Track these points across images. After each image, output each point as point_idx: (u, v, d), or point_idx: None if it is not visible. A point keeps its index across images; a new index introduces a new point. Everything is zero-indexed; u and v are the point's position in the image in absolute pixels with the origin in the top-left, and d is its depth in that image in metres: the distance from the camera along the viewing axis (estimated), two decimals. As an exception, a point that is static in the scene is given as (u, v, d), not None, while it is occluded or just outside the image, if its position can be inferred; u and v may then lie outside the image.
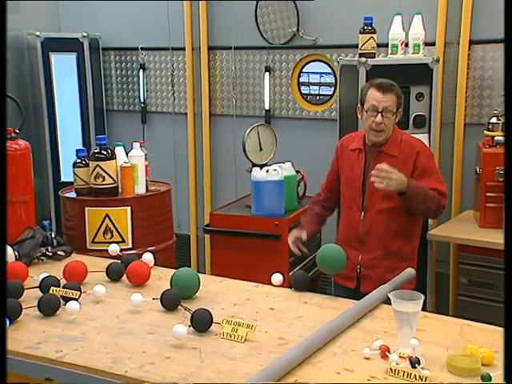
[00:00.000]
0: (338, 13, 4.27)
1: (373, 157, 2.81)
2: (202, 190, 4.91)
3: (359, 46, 3.61)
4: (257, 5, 4.52)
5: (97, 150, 3.05)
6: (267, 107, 4.59)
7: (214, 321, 2.09)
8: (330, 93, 4.44)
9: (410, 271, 2.55)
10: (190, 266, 4.72)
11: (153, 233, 3.15)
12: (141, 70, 5.05)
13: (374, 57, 3.61)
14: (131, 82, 5.16)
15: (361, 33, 3.61)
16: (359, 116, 2.90)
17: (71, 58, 4.98)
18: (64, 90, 5.06)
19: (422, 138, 3.64)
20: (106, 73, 5.23)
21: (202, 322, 2.07)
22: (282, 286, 2.51)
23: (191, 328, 2.06)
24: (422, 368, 1.80)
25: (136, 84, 5.12)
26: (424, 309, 1.98)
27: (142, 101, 5.10)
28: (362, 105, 2.83)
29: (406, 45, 3.71)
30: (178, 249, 4.92)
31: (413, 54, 3.65)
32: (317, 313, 2.25)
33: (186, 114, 4.90)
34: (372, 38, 3.58)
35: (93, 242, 3.06)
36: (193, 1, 4.71)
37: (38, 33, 4.94)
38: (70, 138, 5.07)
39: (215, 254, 3.60)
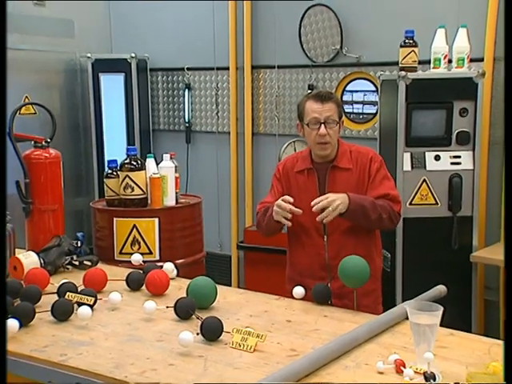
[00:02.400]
0: (382, 29, 4.19)
1: (326, 174, 2.60)
2: (243, 210, 4.86)
3: (399, 60, 3.51)
4: (300, 23, 4.50)
5: (127, 161, 3.05)
6: (309, 126, 4.52)
7: (225, 330, 2.01)
8: (374, 111, 4.34)
9: (440, 288, 2.41)
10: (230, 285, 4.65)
11: (181, 246, 3.11)
12: (186, 90, 5.10)
13: (416, 71, 3.50)
14: (177, 101, 5.21)
15: (401, 46, 3.51)
16: (300, 133, 2.69)
17: (119, 78, 5.09)
18: (112, 110, 5.16)
19: (466, 155, 3.52)
20: (153, 93, 5.30)
21: (211, 330, 2.00)
22: (304, 299, 2.42)
23: (200, 336, 1.99)
24: (438, 385, 1.67)
25: (181, 104, 5.17)
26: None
27: (186, 120, 5.13)
28: (302, 120, 2.62)
29: (450, 61, 3.58)
30: (219, 269, 4.93)
31: (456, 68, 3.52)
32: (335, 326, 2.14)
33: (229, 133, 4.89)
34: (413, 51, 3.48)
35: (120, 252, 3.05)
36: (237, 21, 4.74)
37: (89, 54, 5.07)
38: (116, 157, 5.14)
39: (248, 271, 3.54)
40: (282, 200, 2.50)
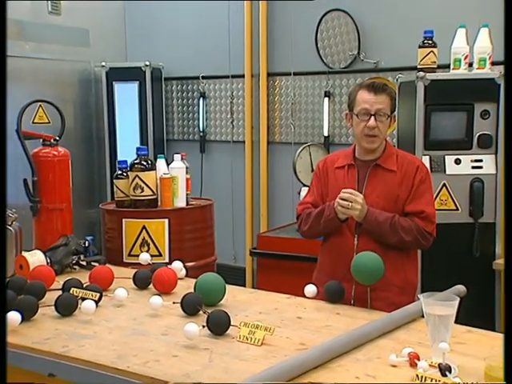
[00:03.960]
0: (400, 34, 4.19)
1: (367, 172, 2.52)
2: (258, 221, 4.84)
3: (418, 60, 3.49)
4: (317, 29, 4.51)
5: (137, 161, 3.05)
6: (326, 134, 4.52)
7: (232, 324, 1.98)
8: (393, 118, 4.30)
9: (459, 287, 2.35)
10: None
11: (191, 248, 3.09)
12: (201, 99, 5.12)
13: (435, 72, 3.48)
14: (191, 110, 5.24)
15: (420, 47, 3.50)
16: (348, 124, 2.63)
17: (133, 86, 5.13)
18: (125, 119, 5.20)
19: (488, 159, 3.47)
20: (168, 102, 5.34)
21: (217, 324, 1.97)
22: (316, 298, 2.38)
23: (206, 330, 1.96)
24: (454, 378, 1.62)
25: (196, 113, 5.20)
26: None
27: (201, 130, 5.15)
28: (352, 110, 2.53)
29: (470, 65, 3.55)
30: (234, 281, 4.89)
31: (478, 68, 3.49)
32: (347, 323, 2.10)
33: (244, 142, 4.89)
34: (432, 52, 3.46)
35: (129, 254, 3.04)
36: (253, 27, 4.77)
37: (103, 63, 5.12)
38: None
39: (261, 278, 3.50)
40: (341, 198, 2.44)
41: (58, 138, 2.95)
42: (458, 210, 3.47)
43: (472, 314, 2.32)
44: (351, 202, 2.40)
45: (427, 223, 2.48)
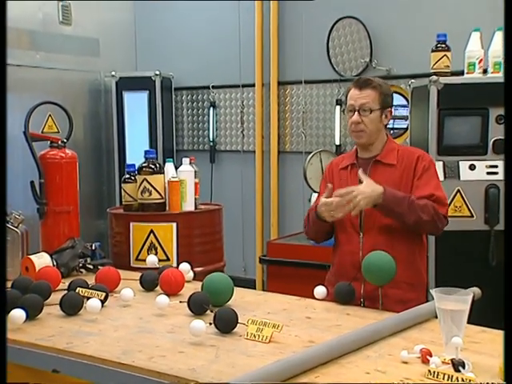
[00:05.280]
0: (412, 41, 4.21)
1: (368, 168, 2.54)
2: (269, 232, 4.83)
3: (431, 64, 3.50)
4: (329, 37, 4.54)
5: (145, 164, 3.06)
6: (338, 142, 4.52)
7: (240, 322, 1.97)
8: (405, 126, 4.31)
9: (474, 290, 2.31)
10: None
11: (199, 253, 3.08)
12: (211, 108, 5.15)
13: (448, 76, 3.48)
14: (201, 120, 5.26)
15: (433, 51, 3.50)
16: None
17: (143, 95, 5.17)
18: (135, 129, 5.23)
19: (502, 165, 3.44)
20: (178, 112, 5.37)
21: (224, 321, 1.96)
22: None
23: (213, 328, 1.95)
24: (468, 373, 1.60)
25: (206, 123, 5.22)
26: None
27: (211, 140, 5.17)
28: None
29: (485, 71, 3.55)
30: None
31: (493, 73, 3.48)
32: (357, 323, 2.08)
33: (255, 151, 4.90)
34: (445, 55, 3.46)
35: (137, 259, 3.03)
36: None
37: (113, 73, 5.17)
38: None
39: (271, 286, 3.48)
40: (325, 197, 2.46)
41: (65, 140, 2.97)
42: (472, 216, 3.44)
43: (487, 325, 2.29)
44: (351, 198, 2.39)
45: (439, 205, 2.48)
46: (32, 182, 2.90)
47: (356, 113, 2.51)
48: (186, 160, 3.16)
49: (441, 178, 3.42)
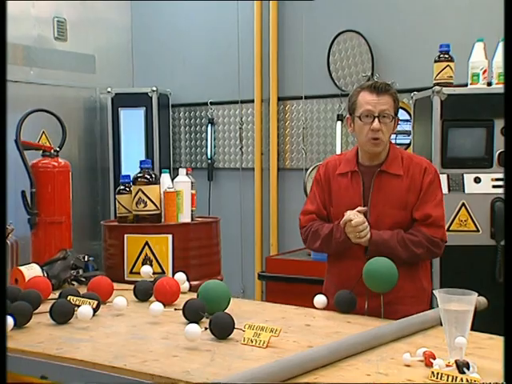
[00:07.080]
0: (414, 54, 4.24)
1: (372, 179, 2.48)
2: (268, 249, 4.82)
3: (434, 75, 3.52)
4: (329, 51, 4.57)
5: (140, 174, 3.07)
6: (339, 158, 4.52)
7: (236, 327, 1.95)
8: (408, 142, 4.32)
9: (480, 299, 2.31)
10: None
11: (196, 266, 3.06)
12: (209, 125, 5.17)
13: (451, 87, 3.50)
14: (199, 138, 5.28)
15: (436, 61, 3.53)
16: (349, 130, 2.58)
17: (139, 112, 5.17)
18: (131, 147, 5.21)
19: (509, 178, 3.45)
20: (175, 129, 5.39)
21: (220, 326, 1.94)
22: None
23: (209, 333, 1.94)
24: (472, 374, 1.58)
25: (204, 140, 5.24)
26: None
27: (209, 157, 5.18)
28: (353, 113, 2.49)
29: (489, 84, 3.57)
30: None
31: (497, 84, 3.50)
32: (358, 330, 2.05)
33: (254, 169, 4.91)
34: (448, 66, 3.49)
35: (131, 272, 3.01)
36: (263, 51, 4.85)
37: (109, 89, 5.19)
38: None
39: (270, 301, 3.44)
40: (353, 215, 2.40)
41: (58, 149, 2.98)
42: (478, 231, 3.43)
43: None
44: (361, 230, 2.38)
45: (435, 229, 2.46)
46: (23, 192, 2.90)
47: (376, 119, 2.42)
48: (182, 171, 3.17)
49: (445, 191, 3.43)
